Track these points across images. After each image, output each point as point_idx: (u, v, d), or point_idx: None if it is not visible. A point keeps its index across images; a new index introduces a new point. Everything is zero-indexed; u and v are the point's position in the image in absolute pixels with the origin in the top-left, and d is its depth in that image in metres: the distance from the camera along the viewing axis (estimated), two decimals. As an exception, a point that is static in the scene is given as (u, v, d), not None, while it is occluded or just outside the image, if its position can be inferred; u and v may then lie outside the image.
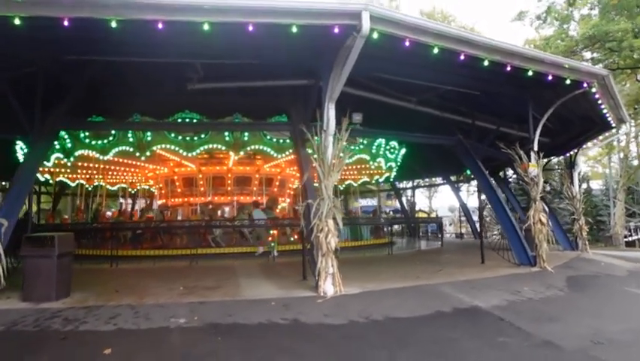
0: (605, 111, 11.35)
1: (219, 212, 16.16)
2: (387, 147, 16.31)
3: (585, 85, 9.36)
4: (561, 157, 16.67)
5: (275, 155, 13.92)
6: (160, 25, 6.02)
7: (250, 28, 6.23)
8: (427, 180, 28.51)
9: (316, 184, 7.79)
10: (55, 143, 13.36)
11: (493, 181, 20.81)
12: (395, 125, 11.60)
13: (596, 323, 6.17)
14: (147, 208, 18.88)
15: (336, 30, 6.43)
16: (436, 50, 7.22)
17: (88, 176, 18.34)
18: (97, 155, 13.24)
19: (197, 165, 16.33)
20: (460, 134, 11.69)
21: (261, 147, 13.49)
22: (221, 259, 12.04)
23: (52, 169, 15.73)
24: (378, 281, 8.34)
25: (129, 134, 12.66)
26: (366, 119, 11.79)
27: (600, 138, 15.28)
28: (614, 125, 12.97)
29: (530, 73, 8.44)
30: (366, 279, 8.58)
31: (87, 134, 12.96)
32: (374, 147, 15.47)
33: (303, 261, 8.46)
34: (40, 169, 15.33)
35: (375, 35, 6.62)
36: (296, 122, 8.97)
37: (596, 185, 36.64)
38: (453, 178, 24.23)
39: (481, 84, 9.58)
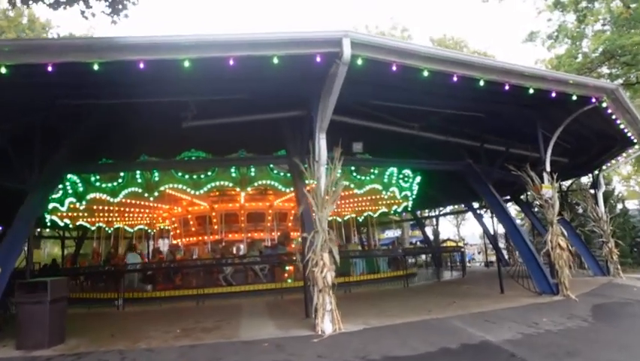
0: (622, 127, 10.80)
1: (234, 249, 16.04)
2: (400, 176, 15.97)
3: (594, 100, 8.92)
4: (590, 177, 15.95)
5: (283, 189, 13.78)
6: (141, 65, 6.04)
7: (231, 62, 6.19)
8: (450, 207, 27.83)
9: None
10: (68, 187, 13.76)
11: (516, 205, 20.28)
12: (401, 152, 11.34)
13: (621, 357, 5.58)
14: (158, 249, 18.87)
15: (319, 59, 6.33)
16: (426, 73, 7.01)
17: (106, 219, 18.65)
18: (108, 197, 13.37)
19: (209, 203, 16.32)
20: (469, 158, 11.30)
21: (268, 182, 13.40)
22: (232, 298, 11.74)
23: (69, 214, 16.02)
24: (386, 316, 7.89)
25: (137, 176, 12.77)
26: (370, 148, 11.62)
27: (624, 155, 14.59)
28: (635, 140, 12.36)
29: (531, 91, 8.09)
30: (373, 314, 8.15)
31: (98, 177, 13.16)
32: (386, 177, 15.15)
33: (305, 298, 8.11)
34: (58, 214, 15.76)
35: (359, 61, 6.49)
36: (293, 154, 8.82)
37: (633, 205, 34.89)
38: (476, 205, 23.47)
39: (483, 105, 9.26)
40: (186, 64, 6.13)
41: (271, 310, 9.44)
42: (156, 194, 13.09)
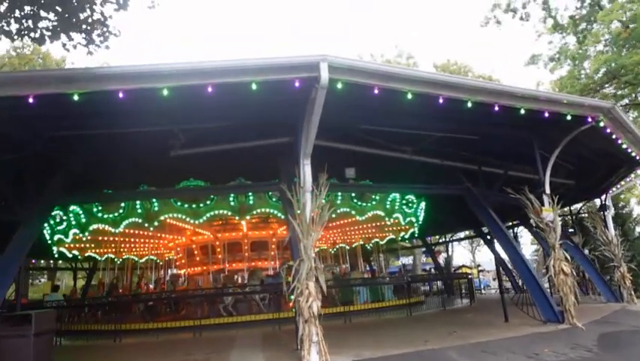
0: (625, 147, 10.50)
1: (238, 279, 15.86)
2: (404, 202, 15.76)
3: (590, 120, 8.71)
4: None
5: (284, 217, 13.65)
6: (121, 95, 6.09)
7: (209, 89, 6.20)
8: (464, 233, 27.28)
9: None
10: (72, 218, 13.87)
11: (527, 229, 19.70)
12: (398, 177, 11.18)
13: (621, 390, 5.21)
14: (160, 279, 18.77)
15: (297, 84, 6.31)
16: (410, 96, 6.93)
17: (114, 250, 18.71)
18: (110, 228, 13.42)
19: (212, 232, 16.28)
20: (468, 182, 11.08)
21: (267, 210, 13.32)
22: (230, 328, 11.47)
23: (75, 245, 16.11)
24: (380, 348, 7.58)
25: (138, 206, 12.81)
26: (367, 174, 11.50)
27: (632, 175, 14.20)
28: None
29: (523, 111, 7.93)
30: (368, 345, 7.86)
31: (100, 208, 13.25)
32: (388, 203, 14.98)
33: (296, 329, 7.85)
34: (65, 245, 15.85)
35: (339, 85, 6.45)
36: (282, 181, 8.74)
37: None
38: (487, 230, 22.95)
39: (477, 127, 9.10)
40: (165, 92, 6.16)
41: (265, 342, 9.19)
42: (156, 224, 13.10)
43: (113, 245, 17.32)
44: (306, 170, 7.15)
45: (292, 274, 6.89)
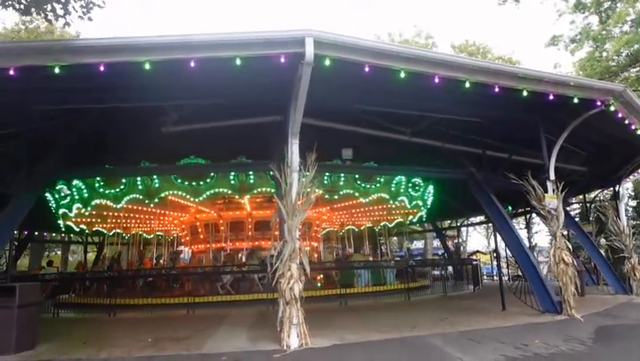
0: (639, 132, 9.98)
1: (242, 258, 15.88)
2: (410, 185, 15.43)
3: (599, 103, 8.24)
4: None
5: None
6: (102, 68, 5.93)
7: (192, 64, 6.00)
8: (476, 218, 26.80)
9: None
10: (75, 193, 13.97)
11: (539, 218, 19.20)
12: (399, 159, 10.90)
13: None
14: (160, 256, 18.94)
15: (283, 59, 6.06)
16: (403, 74, 6.61)
17: (122, 225, 18.91)
18: (111, 203, 13.47)
19: (216, 210, 16.27)
20: (472, 166, 10.71)
21: (268, 190, 13.16)
22: (225, 307, 11.49)
23: (82, 219, 16.31)
24: (366, 332, 7.46)
25: (139, 182, 12.79)
26: (365, 155, 11.23)
27: (650, 163, 13.61)
28: (658, 148, 11.48)
29: (525, 93, 7.54)
30: (355, 329, 7.75)
31: (102, 183, 13.29)
32: (393, 185, 14.65)
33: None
34: (72, 220, 16.06)
35: (327, 62, 6.18)
36: (275, 160, 8.54)
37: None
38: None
39: (478, 110, 8.74)
40: (147, 66, 5.98)
41: (255, 321, 9.16)
42: (157, 200, 13.09)
43: (118, 220, 17.47)
44: (294, 149, 6.95)
45: (275, 255, 6.74)
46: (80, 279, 14.53)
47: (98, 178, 13.16)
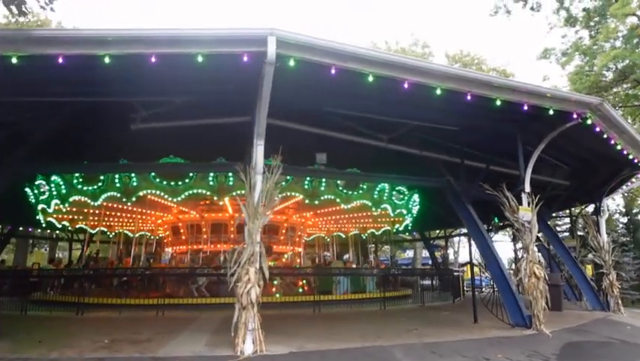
0: (619, 148, 9.88)
1: (221, 260, 15.69)
2: (393, 193, 15.30)
3: (575, 116, 8.14)
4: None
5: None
6: (61, 60, 5.79)
7: (153, 59, 5.87)
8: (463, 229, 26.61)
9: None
10: (53, 189, 13.80)
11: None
12: (378, 166, 10.77)
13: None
14: (137, 256, 18.72)
15: (246, 58, 5.93)
16: (371, 78, 6.50)
17: (106, 223, 18.70)
18: (89, 200, 13.29)
19: (198, 211, 16.12)
20: (450, 175, 10.59)
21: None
22: (195, 309, 11.32)
23: (64, 216, 16.12)
24: (328, 340, 7.30)
25: (117, 181, 12.61)
26: (338, 160, 11.08)
27: (634, 179, 13.55)
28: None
29: (499, 102, 7.43)
30: (317, 337, 7.61)
31: (80, 180, 13.12)
32: (376, 193, 14.49)
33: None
34: (54, 216, 15.86)
35: (292, 63, 6.06)
36: (245, 162, 8.40)
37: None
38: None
39: (455, 118, 8.64)
40: (107, 60, 5.85)
41: (221, 325, 8.92)
42: (134, 199, 12.93)
43: (99, 218, 17.26)
44: (259, 150, 6.82)
45: (234, 259, 6.58)
46: (52, 276, 14.27)
47: (77, 175, 13.05)
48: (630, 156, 10.63)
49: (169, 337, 7.59)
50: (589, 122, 8.36)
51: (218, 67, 6.30)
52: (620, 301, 11.98)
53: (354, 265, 19.48)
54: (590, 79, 16.98)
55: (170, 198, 13.05)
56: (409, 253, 43.93)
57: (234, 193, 13.19)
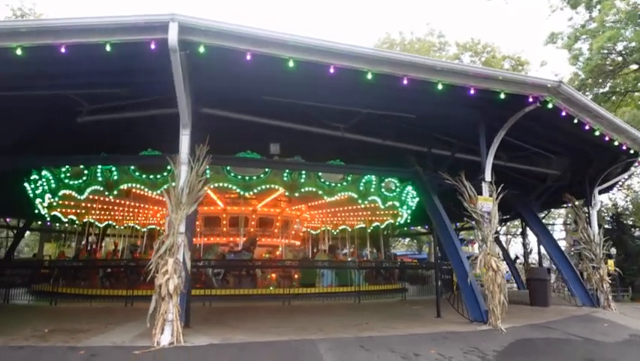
0: (597, 134, 9.25)
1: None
2: (382, 185, 14.93)
3: (531, 100, 7.64)
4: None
5: (245, 193, 13.43)
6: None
7: (63, 50, 5.85)
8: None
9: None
10: (44, 183, 14.19)
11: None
12: (340, 156, 10.51)
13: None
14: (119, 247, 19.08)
15: (154, 46, 5.83)
16: (292, 64, 6.29)
17: (113, 217, 19.21)
18: (75, 194, 13.61)
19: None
20: (418, 165, 10.21)
21: (222, 185, 13.03)
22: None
23: (69, 210, 16.61)
24: (259, 333, 7.18)
25: (99, 174, 12.81)
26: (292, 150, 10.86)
27: (632, 168, 12.70)
28: (632, 151, 10.66)
29: (440, 87, 7.04)
30: (251, 330, 7.49)
31: (68, 174, 13.44)
32: (362, 185, 14.16)
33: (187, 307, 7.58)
34: (58, 210, 16.35)
35: (202, 49, 5.93)
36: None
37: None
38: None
39: (403, 105, 8.27)
40: (19, 52, 5.88)
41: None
42: (116, 192, 13.15)
43: (107, 212, 17.71)
44: (184, 140, 6.75)
45: (155, 250, 6.53)
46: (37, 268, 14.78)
47: (63, 170, 13.41)
48: (616, 143, 9.96)
49: (112, 328, 7.62)
50: (550, 105, 7.83)
51: (134, 56, 6.22)
52: (610, 297, 11.27)
53: (349, 258, 19.25)
54: (592, 63, 15.93)
55: (150, 192, 13.21)
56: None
57: (212, 185, 13.25)
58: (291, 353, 6.09)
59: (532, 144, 11.02)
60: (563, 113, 8.21)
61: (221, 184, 13.18)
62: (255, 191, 13.42)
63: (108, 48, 5.84)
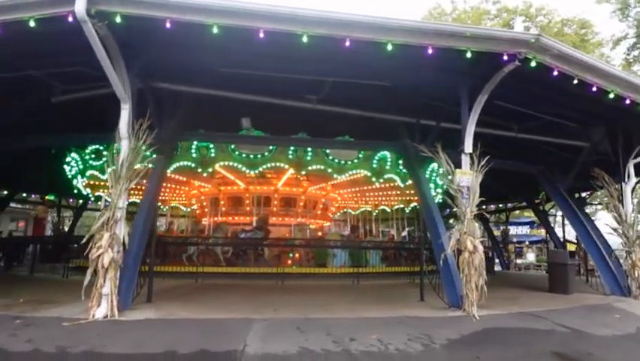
0: (612, 96, 7.95)
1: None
2: (400, 162, 14.14)
3: (506, 58, 6.67)
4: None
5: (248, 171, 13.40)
6: None
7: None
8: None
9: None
10: (75, 164, 15.03)
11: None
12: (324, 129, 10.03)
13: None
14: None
15: (71, 19, 5.76)
16: (216, 30, 5.96)
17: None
18: (100, 174, 14.26)
19: (213, 185, 16.58)
20: (408, 137, 9.45)
21: (230, 163, 13.03)
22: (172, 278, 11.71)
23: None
24: (211, 310, 7.17)
25: (193, 151, 12.78)
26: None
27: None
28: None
29: (390, 47, 6.34)
30: (207, 308, 7.44)
31: (92, 156, 14.13)
32: (375, 162, 13.51)
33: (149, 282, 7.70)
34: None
35: (119, 19, 5.79)
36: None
37: None
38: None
39: (371, 71, 7.62)
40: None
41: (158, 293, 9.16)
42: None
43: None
44: (123, 115, 6.70)
45: (95, 223, 6.58)
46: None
47: (87, 151, 14.15)
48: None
49: (78, 300, 7.87)
50: (533, 64, 6.81)
51: (68, 32, 6.20)
52: (643, 285, 9.82)
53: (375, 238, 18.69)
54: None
55: (246, 171, 13.54)
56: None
57: (218, 165, 13.33)
58: (217, 331, 5.89)
59: (545, 113, 9.79)
60: (555, 73, 7.11)
61: (228, 163, 13.19)
62: (261, 169, 13.27)
63: (32, 24, 5.87)
